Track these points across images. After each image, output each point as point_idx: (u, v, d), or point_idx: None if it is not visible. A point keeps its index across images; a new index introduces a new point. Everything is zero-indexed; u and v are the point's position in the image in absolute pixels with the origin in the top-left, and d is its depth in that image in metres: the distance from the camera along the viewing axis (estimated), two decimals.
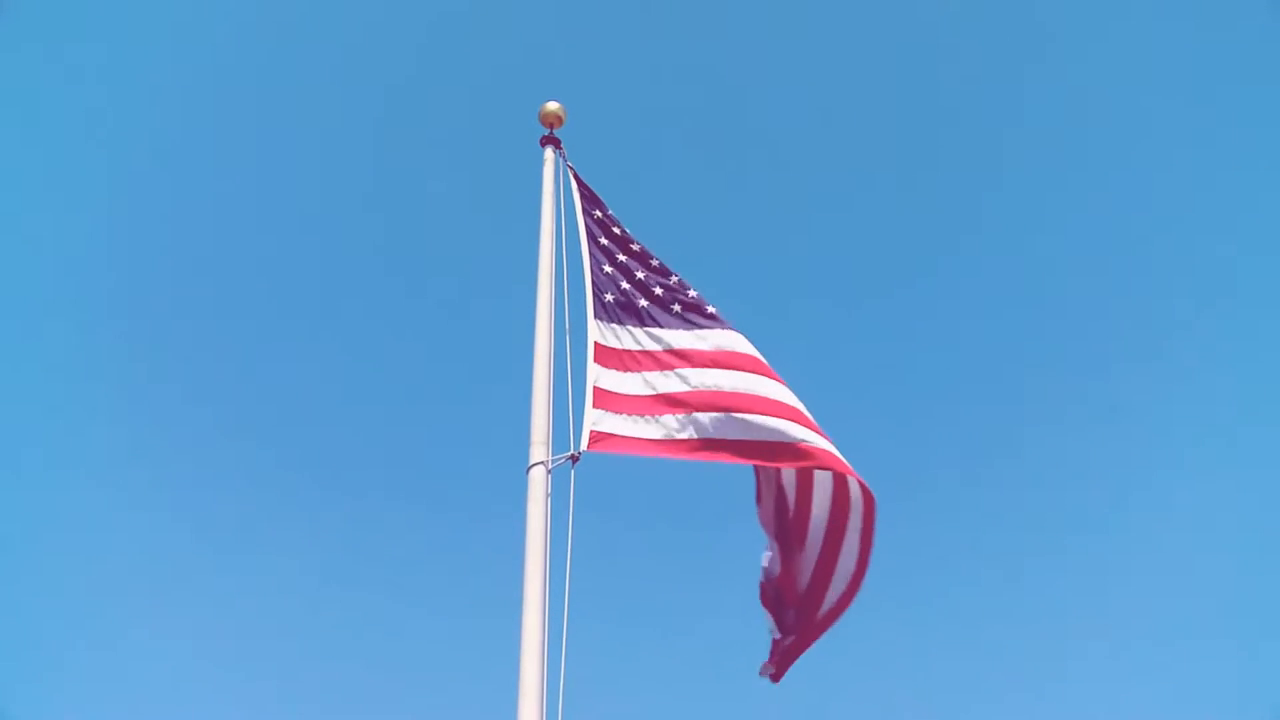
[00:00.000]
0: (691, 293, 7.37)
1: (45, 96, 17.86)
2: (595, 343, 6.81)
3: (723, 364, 6.88)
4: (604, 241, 7.51)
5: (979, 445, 20.70)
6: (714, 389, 6.75)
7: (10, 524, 15.62)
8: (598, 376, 6.65)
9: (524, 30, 21.89)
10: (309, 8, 20.71)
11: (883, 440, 19.58)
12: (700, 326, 7.10)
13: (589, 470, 6.15)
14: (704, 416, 6.63)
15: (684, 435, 6.59)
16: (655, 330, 7.06)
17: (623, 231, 7.69)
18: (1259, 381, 18.28)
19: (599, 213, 7.67)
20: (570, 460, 6.09)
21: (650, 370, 6.85)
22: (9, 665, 14.15)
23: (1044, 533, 19.18)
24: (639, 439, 6.51)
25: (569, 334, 6.83)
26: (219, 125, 20.24)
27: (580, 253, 7.29)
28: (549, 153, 7.72)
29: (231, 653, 16.48)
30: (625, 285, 7.27)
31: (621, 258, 7.45)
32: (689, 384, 6.78)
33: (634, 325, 7.08)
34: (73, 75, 18.34)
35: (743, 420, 6.55)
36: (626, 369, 6.84)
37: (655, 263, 7.53)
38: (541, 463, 6.06)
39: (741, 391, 6.71)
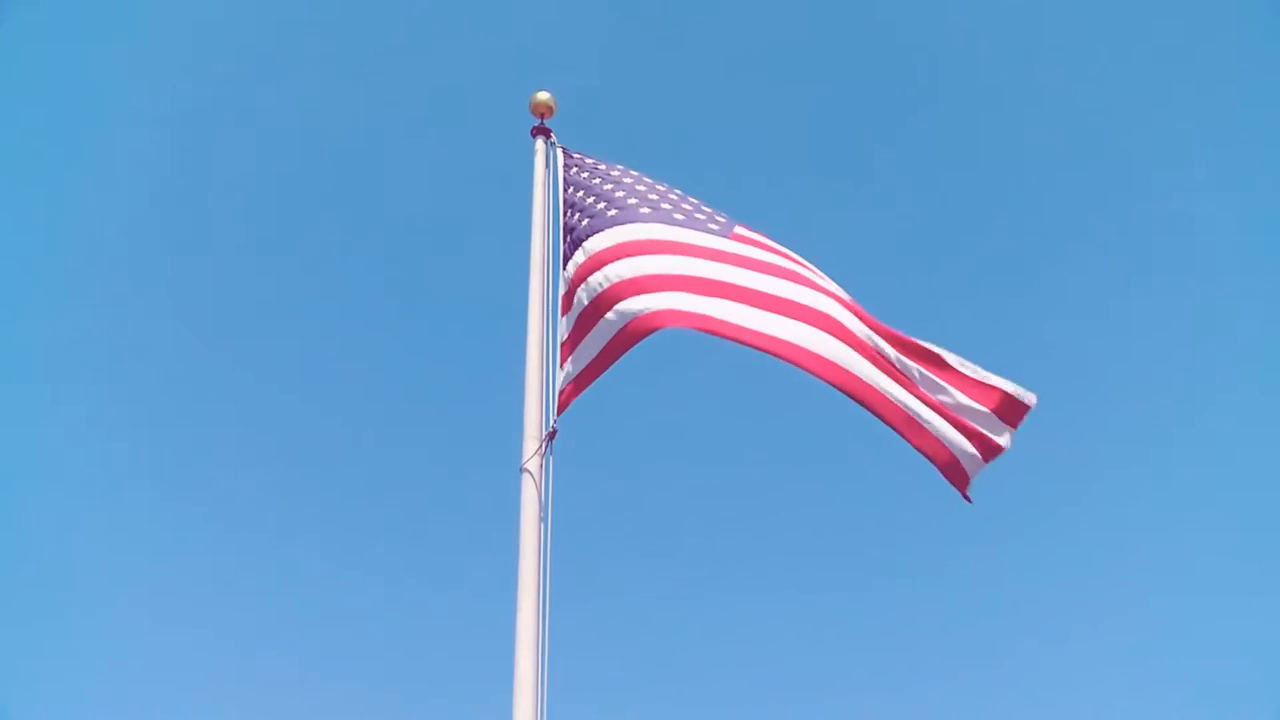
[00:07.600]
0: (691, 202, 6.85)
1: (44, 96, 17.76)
2: (563, 342, 6.39)
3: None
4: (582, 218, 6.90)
5: None
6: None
7: (10, 524, 15.60)
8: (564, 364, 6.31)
9: (512, 18, 21.77)
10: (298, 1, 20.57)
11: None
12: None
13: (584, 464, 6.09)
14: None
15: (689, 309, 6.04)
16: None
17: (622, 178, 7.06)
18: None
19: (585, 186, 7.08)
20: (548, 441, 6.01)
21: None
22: (9, 665, 14.15)
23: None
24: (619, 331, 6.07)
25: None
26: (205, 117, 20.14)
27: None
28: (539, 143, 7.61)
29: (227, 652, 16.50)
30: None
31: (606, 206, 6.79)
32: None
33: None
34: (73, 75, 18.24)
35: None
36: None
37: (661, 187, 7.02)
38: (536, 455, 6.00)
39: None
